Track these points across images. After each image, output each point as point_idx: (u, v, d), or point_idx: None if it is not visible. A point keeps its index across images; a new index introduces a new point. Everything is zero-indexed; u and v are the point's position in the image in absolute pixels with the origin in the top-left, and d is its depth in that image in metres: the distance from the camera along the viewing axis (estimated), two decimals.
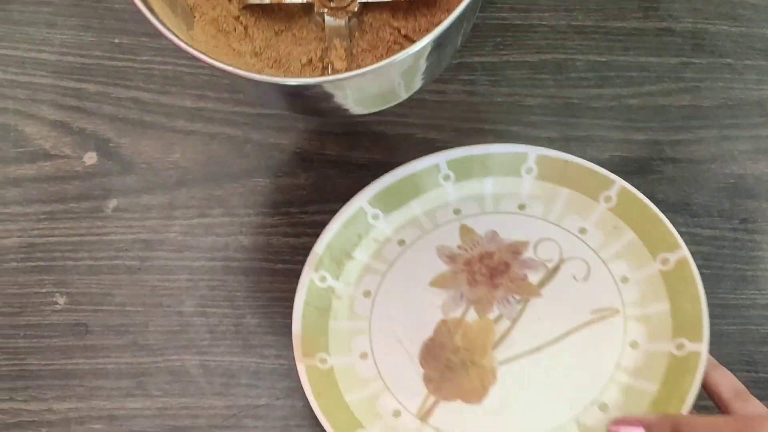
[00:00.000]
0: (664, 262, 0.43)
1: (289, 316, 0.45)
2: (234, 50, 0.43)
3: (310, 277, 0.44)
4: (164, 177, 0.50)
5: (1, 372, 0.44)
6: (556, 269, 0.44)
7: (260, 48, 0.44)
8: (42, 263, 0.47)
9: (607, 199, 0.46)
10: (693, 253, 0.49)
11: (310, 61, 0.44)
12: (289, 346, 0.44)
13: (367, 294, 0.45)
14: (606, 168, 0.51)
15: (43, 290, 0.46)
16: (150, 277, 0.47)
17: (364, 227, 0.47)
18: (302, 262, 0.46)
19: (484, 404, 0.41)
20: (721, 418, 0.35)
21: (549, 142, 0.50)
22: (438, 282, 0.45)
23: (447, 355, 0.42)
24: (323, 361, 0.42)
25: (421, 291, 0.44)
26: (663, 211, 0.50)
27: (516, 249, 0.45)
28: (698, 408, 0.39)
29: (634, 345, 0.41)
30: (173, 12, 0.40)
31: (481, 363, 0.42)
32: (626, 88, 0.55)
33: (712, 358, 0.39)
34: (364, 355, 0.43)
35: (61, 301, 0.46)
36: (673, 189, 0.52)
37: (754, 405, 0.37)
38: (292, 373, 0.45)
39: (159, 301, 0.47)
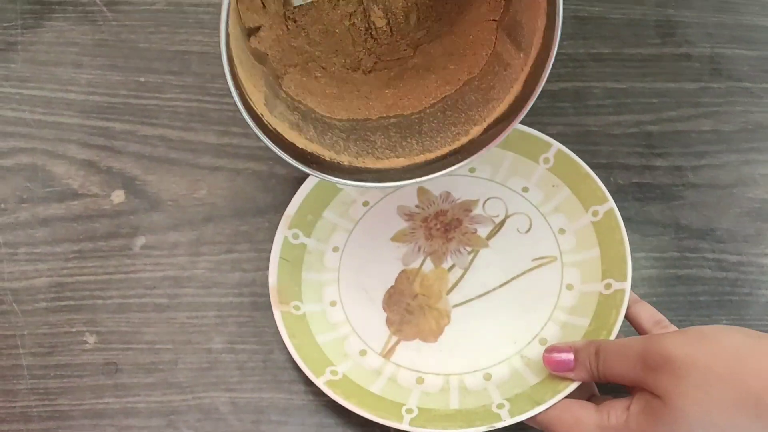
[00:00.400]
0: (595, 213, 0.48)
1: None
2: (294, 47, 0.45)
3: (284, 235, 0.48)
4: (191, 213, 0.50)
5: (33, 413, 0.44)
6: (502, 223, 0.50)
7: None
8: (72, 302, 0.47)
9: (546, 161, 0.51)
10: (720, 279, 0.50)
11: (353, 24, 0.47)
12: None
13: (335, 249, 0.50)
14: (631, 195, 0.52)
15: (73, 329, 0.46)
16: (179, 315, 0.47)
17: (332, 191, 0.51)
18: None
19: (440, 343, 0.46)
20: (633, 337, 0.40)
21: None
22: (398, 237, 0.50)
23: (407, 300, 0.48)
24: (297, 308, 0.46)
25: (384, 245, 0.50)
26: (687, 238, 0.51)
27: (467, 207, 0.51)
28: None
29: (569, 287, 0.47)
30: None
31: (437, 307, 0.47)
32: (645, 114, 0.55)
33: (634, 294, 0.45)
34: (333, 303, 0.48)
35: (91, 340, 0.46)
36: (697, 215, 0.52)
37: (669, 329, 0.42)
38: (322, 408, 0.45)
39: (188, 338, 0.47)
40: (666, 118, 0.55)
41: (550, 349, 0.42)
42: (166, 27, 0.56)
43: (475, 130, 0.45)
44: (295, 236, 0.49)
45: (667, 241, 0.51)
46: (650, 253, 0.51)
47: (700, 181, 0.53)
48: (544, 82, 0.41)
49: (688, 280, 0.50)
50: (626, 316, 0.44)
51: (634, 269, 0.49)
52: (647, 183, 0.53)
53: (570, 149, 0.52)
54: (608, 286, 0.46)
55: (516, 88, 0.43)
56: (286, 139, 0.41)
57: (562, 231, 0.49)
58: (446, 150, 0.45)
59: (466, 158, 0.44)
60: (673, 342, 0.36)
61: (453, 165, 0.44)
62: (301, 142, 0.42)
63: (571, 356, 0.41)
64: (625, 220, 0.50)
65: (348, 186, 0.45)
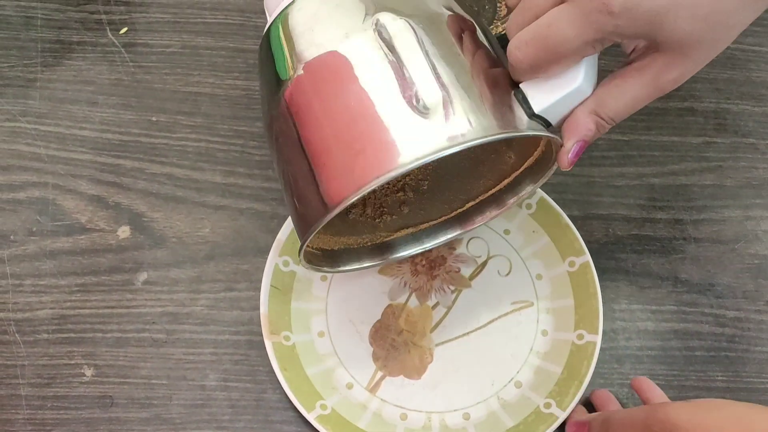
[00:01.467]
0: (572, 264, 0.50)
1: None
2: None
3: (275, 262, 0.49)
4: (193, 251, 0.51)
5: None
6: (484, 264, 0.52)
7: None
8: (72, 335, 0.48)
9: (528, 206, 0.52)
10: (717, 335, 0.49)
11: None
12: (310, 425, 0.44)
13: (323, 278, 0.51)
14: (629, 247, 0.52)
15: (72, 362, 0.47)
16: (175, 351, 0.48)
17: None
18: None
19: (423, 380, 0.48)
20: (639, 407, 0.41)
21: (572, 220, 0.50)
22: (385, 271, 0.51)
23: (392, 336, 0.49)
24: (287, 338, 0.47)
25: (371, 278, 0.51)
26: (686, 292, 0.51)
27: (451, 245, 0.52)
28: (593, 386, 0.45)
29: (544, 333, 0.49)
30: None
31: (421, 344, 0.49)
32: (649, 167, 0.56)
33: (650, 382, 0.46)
34: (321, 334, 0.49)
35: (89, 373, 0.47)
36: (697, 269, 0.52)
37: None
38: None
39: (183, 374, 0.47)
40: (669, 171, 0.56)
41: (571, 424, 0.43)
42: (180, 69, 0.57)
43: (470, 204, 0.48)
44: (285, 263, 0.49)
45: (665, 294, 0.51)
46: (647, 306, 0.50)
47: (701, 235, 0.53)
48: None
49: (684, 334, 0.50)
50: (632, 386, 0.46)
51: (630, 321, 0.50)
52: (647, 235, 0.53)
53: (571, 198, 0.53)
54: (580, 336, 0.47)
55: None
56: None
57: (539, 277, 0.51)
58: (447, 217, 0.48)
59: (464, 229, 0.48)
60: (679, 410, 0.35)
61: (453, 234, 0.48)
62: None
63: (585, 429, 0.42)
64: (623, 271, 0.51)
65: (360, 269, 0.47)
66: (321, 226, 0.35)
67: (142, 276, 0.50)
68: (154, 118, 0.56)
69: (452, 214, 0.49)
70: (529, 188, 0.45)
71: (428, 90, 0.34)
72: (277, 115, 0.37)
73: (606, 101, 0.35)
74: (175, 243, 0.51)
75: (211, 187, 0.53)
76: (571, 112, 0.36)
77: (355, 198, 0.34)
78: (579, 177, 0.55)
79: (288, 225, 0.50)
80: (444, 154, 0.32)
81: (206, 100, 0.56)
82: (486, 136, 0.33)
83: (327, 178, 0.35)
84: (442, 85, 0.34)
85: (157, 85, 0.57)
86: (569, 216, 0.51)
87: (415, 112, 0.34)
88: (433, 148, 0.33)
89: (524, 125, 0.35)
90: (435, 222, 0.49)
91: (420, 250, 0.48)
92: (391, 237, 0.48)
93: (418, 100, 0.34)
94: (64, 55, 0.58)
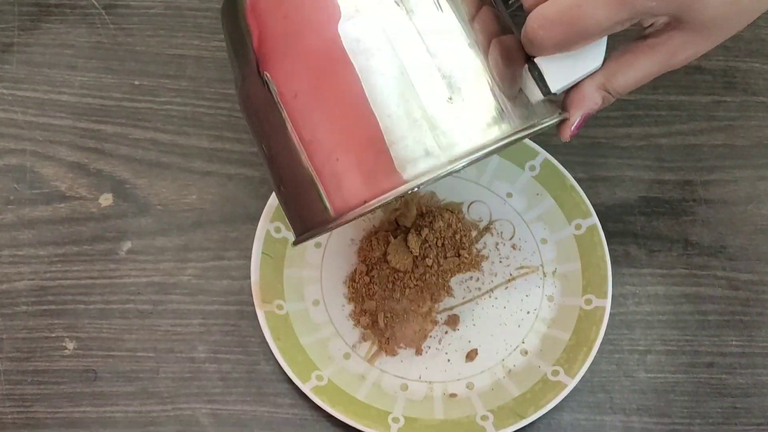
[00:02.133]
0: (578, 227, 0.47)
1: None
2: None
3: (266, 228, 0.46)
4: (180, 218, 0.49)
5: (7, 420, 0.43)
6: (486, 229, 0.49)
7: None
8: (53, 307, 0.46)
9: (532, 168, 0.49)
10: (731, 298, 0.48)
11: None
12: (305, 395, 0.42)
13: (317, 245, 0.48)
14: (637, 209, 0.50)
15: (53, 335, 0.45)
16: (162, 322, 0.46)
17: None
18: None
19: (424, 349, 0.45)
20: None
21: (577, 183, 0.48)
22: None
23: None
24: (280, 307, 0.45)
25: None
26: (696, 255, 0.49)
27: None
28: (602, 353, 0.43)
29: (550, 299, 0.47)
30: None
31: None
32: (656, 127, 0.54)
33: None
34: (316, 302, 0.46)
35: (71, 346, 0.45)
36: (708, 231, 0.50)
37: None
38: (307, 423, 0.43)
39: (170, 346, 0.45)
40: (677, 131, 0.53)
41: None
42: (163, 30, 0.55)
43: None
44: (277, 230, 0.47)
45: (675, 257, 0.49)
46: (657, 270, 0.48)
47: (712, 197, 0.51)
48: None
49: (696, 298, 0.48)
50: None
51: (639, 285, 0.47)
52: (656, 197, 0.51)
53: (576, 160, 0.51)
54: (588, 301, 0.45)
55: None
56: None
57: (544, 241, 0.49)
58: None
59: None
60: None
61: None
62: None
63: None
64: (631, 235, 0.49)
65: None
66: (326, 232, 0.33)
67: (126, 245, 0.48)
68: (136, 82, 0.53)
69: None
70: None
71: (458, 73, 0.31)
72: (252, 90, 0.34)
73: (616, 77, 0.34)
74: (161, 210, 0.49)
75: (197, 153, 0.51)
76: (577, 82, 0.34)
77: (377, 206, 0.31)
78: (583, 138, 0.53)
79: None
80: (479, 156, 0.31)
81: (191, 63, 0.54)
82: (517, 132, 0.32)
83: (336, 179, 0.32)
84: (467, 69, 0.32)
85: (139, 48, 0.54)
86: (574, 179, 0.49)
87: (442, 101, 0.31)
88: (471, 147, 0.31)
89: (542, 109, 0.34)
90: None
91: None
92: None
93: (446, 84, 0.31)
94: (41, 17, 0.55)
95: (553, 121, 0.34)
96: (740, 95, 0.55)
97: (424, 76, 0.31)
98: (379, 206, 0.31)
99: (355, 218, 0.32)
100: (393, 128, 0.31)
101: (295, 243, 0.36)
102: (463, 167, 0.31)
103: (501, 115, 0.32)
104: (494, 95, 0.32)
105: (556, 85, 0.33)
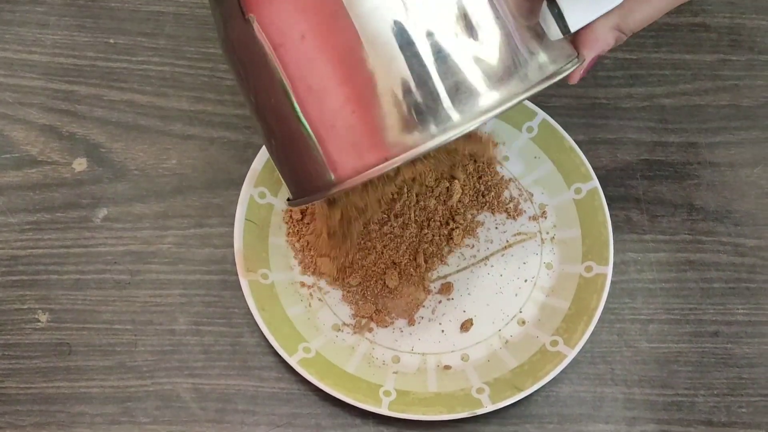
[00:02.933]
0: (578, 191, 0.45)
1: None
2: None
3: (249, 193, 0.44)
4: (159, 184, 0.46)
5: None
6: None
7: None
8: (24, 277, 0.43)
9: (529, 130, 0.47)
10: (736, 265, 0.46)
11: None
12: (292, 369, 0.40)
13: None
14: (639, 173, 0.48)
15: (25, 306, 0.43)
16: (140, 293, 0.43)
17: None
18: None
19: (418, 319, 0.43)
20: None
21: (577, 145, 0.46)
22: None
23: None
24: (265, 276, 0.43)
25: None
26: (701, 220, 0.47)
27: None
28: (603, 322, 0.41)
29: (549, 266, 0.45)
30: None
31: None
32: (659, 86, 0.52)
33: None
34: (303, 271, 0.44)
35: (44, 318, 0.42)
36: (713, 195, 0.48)
37: None
38: (293, 398, 0.41)
39: (149, 318, 0.43)
40: (681, 91, 0.51)
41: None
42: None
43: None
44: (262, 195, 0.44)
45: (679, 222, 0.47)
46: (659, 236, 0.46)
47: (717, 159, 0.49)
48: None
49: (701, 265, 0.46)
50: None
51: (641, 252, 0.46)
52: (658, 160, 0.49)
53: (575, 122, 0.49)
54: (589, 269, 0.43)
55: None
56: None
57: (542, 206, 0.46)
58: None
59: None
60: None
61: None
62: None
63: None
64: (633, 199, 0.47)
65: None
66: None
67: (102, 212, 0.46)
68: (111, 41, 0.51)
69: None
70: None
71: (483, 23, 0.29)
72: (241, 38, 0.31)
73: (632, 14, 0.33)
74: (138, 176, 0.47)
75: (177, 115, 0.49)
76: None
77: (386, 170, 0.29)
78: (583, 99, 0.51)
79: (264, 153, 0.45)
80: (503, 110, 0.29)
81: (170, 20, 0.51)
82: (538, 83, 0.30)
83: (339, 139, 0.30)
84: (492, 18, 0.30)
85: (114, 4, 0.52)
86: (573, 141, 0.46)
87: (464, 52, 0.29)
88: (493, 102, 0.29)
89: (557, 54, 0.32)
90: None
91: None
92: None
93: (470, 33, 0.29)
94: None
95: (573, 68, 0.32)
96: (746, 53, 0.53)
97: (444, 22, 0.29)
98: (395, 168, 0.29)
99: (368, 179, 0.29)
100: (411, 75, 0.28)
101: (291, 205, 0.34)
102: (494, 116, 0.29)
103: (523, 63, 0.30)
104: (513, 43, 0.30)
105: (575, 23, 0.32)
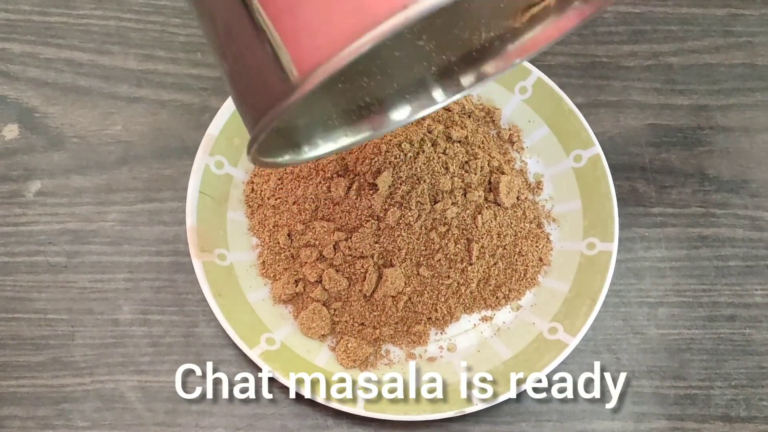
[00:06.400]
0: (577, 158, 0.41)
1: None
2: None
3: (205, 162, 0.39)
4: (101, 154, 0.43)
5: None
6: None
7: None
8: None
9: (523, 90, 0.43)
10: (754, 241, 0.43)
11: None
12: (253, 364, 0.36)
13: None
14: (645, 139, 0.44)
15: None
16: (78, 277, 0.39)
17: None
18: None
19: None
20: None
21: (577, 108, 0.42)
22: None
23: None
24: (222, 257, 0.38)
25: None
26: (714, 191, 0.44)
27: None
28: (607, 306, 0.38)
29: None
30: None
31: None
32: (665, 44, 0.49)
33: None
34: None
35: None
36: (727, 163, 0.46)
37: None
38: (256, 396, 0.37)
39: (89, 306, 0.39)
40: (690, 48, 0.49)
41: None
42: None
43: None
44: (219, 165, 0.40)
45: (690, 194, 0.44)
46: (668, 209, 0.43)
47: (731, 124, 0.46)
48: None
49: (715, 241, 0.43)
50: None
51: (649, 227, 0.44)
52: (666, 125, 0.46)
53: (574, 83, 0.46)
54: (591, 246, 0.39)
55: None
56: None
57: (537, 176, 0.42)
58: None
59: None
60: None
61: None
62: None
63: None
64: (638, 168, 0.45)
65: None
66: (292, 107, 0.22)
67: (35, 185, 0.42)
68: None
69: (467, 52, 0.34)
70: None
71: None
72: None
73: None
74: (77, 144, 0.43)
75: (123, 75, 0.45)
76: None
77: (358, 54, 0.20)
78: (581, 57, 0.48)
79: (221, 117, 0.40)
80: None
81: None
82: None
83: (299, 23, 0.21)
84: None
85: None
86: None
87: None
88: None
89: None
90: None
91: (410, 119, 0.34)
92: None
93: None
94: None
95: None
96: (760, 7, 0.50)
97: None
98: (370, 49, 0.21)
99: (334, 72, 0.21)
100: None
101: (250, 146, 0.26)
102: None
103: None
104: None
105: None
